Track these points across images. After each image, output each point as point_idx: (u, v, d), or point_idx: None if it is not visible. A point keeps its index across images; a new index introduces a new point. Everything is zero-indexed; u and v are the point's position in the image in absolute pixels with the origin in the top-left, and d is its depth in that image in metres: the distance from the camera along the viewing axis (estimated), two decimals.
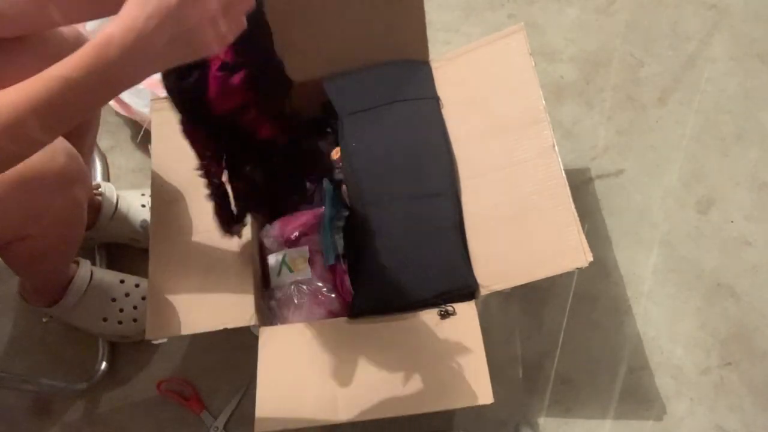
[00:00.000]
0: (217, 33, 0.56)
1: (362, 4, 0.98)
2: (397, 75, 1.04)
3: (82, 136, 0.99)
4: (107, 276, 1.06)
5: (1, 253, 0.85)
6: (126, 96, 1.19)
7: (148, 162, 1.04)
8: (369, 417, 0.80)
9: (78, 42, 0.86)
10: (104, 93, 0.59)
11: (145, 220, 1.11)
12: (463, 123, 0.99)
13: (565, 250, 0.83)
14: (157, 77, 0.64)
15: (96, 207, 1.08)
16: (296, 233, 0.97)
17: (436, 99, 1.02)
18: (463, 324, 0.85)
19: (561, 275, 0.83)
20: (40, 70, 0.74)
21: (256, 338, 0.88)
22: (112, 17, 0.66)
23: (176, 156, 0.99)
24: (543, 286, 1.11)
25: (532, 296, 1.10)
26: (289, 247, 0.98)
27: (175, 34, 0.54)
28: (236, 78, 0.65)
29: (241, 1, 0.57)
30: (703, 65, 1.29)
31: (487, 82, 1.00)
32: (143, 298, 1.06)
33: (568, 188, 0.86)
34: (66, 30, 0.84)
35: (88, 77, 0.55)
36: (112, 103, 1.20)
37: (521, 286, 0.84)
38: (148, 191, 1.13)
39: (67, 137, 0.95)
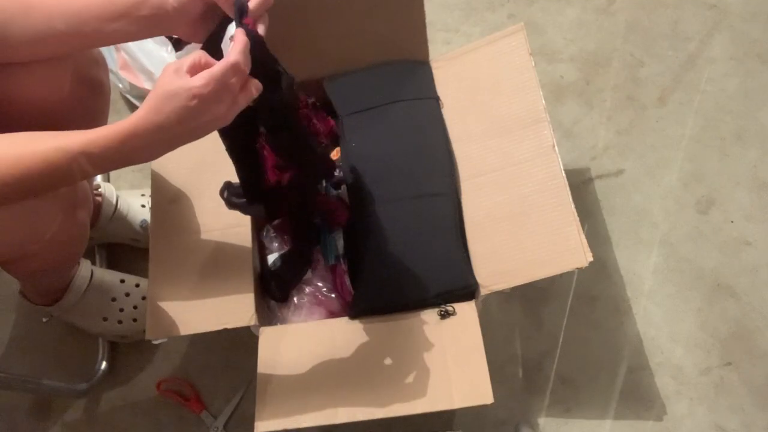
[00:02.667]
0: (230, 114, 0.63)
1: (362, 4, 0.98)
2: (397, 75, 1.04)
3: None
4: (107, 276, 1.06)
5: (3, 268, 0.86)
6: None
7: (148, 162, 1.04)
8: (369, 417, 0.80)
9: (90, 52, 0.86)
10: (119, 166, 0.66)
11: (145, 220, 1.11)
12: (463, 123, 0.99)
13: (565, 250, 0.83)
14: None
15: (96, 207, 1.08)
16: None
17: (436, 99, 1.02)
18: (463, 324, 0.85)
19: (561, 275, 0.83)
20: (54, 79, 0.77)
21: (256, 338, 0.88)
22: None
23: (176, 156, 0.99)
24: (543, 286, 1.11)
25: (532, 296, 1.10)
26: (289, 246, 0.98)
27: (194, 126, 0.62)
28: (286, 176, 0.81)
29: (247, 87, 0.63)
30: (703, 65, 1.29)
31: (487, 82, 1.00)
32: (143, 298, 1.06)
33: (568, 188, 0.86)
34: None
35: (109, 158, 0.63)
36: (126, 76, 1.21)
37: (521, 286, 0.84)
38: (148, 191, 1.13)
39: None
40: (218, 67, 0.60)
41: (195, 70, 0.61)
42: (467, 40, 1.34)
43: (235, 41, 0.63)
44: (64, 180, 0.65)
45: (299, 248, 0.96)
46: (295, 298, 0.95)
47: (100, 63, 0.89)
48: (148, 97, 0.61)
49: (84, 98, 0.85)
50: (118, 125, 0.62)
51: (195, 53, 0.63)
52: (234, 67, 0.61)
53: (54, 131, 0.65)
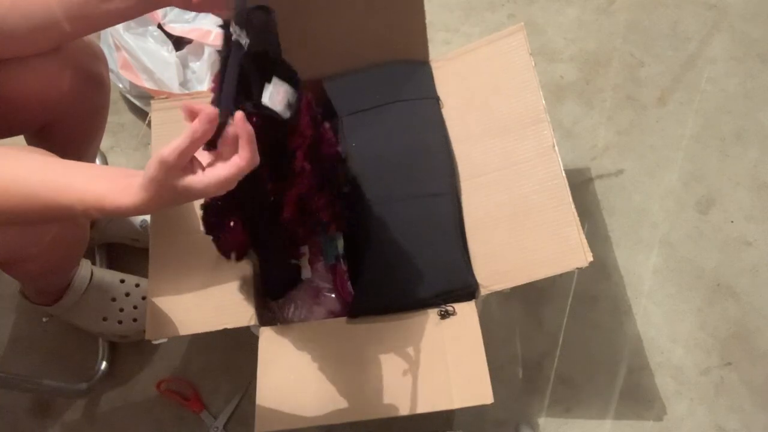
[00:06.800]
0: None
1: (362, 4, 0.98)
2: (397, 75, 1.04)
3: (89, 143, 0.99)
4: (107, 276, 1.06)
5: (3, 270, 0.86)
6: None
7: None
8: (369, 417, 0.80)
9: (90, 47, 0.86)
10: None
11: (144, 220, 1.11)
12: (463, 123, 0.99)
13: (565, 250, 0.83)
14: None
15: None
16: None
17: (436, 99, 1.02)
18: (463, 324, 0.85)
19: (561, 275, 0.83)
20: (55, 74, 0.76)
21: (256, 338, 0.88)
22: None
23: None
24: (543, 286, 1.11)
25: (532, 296, 1.10)
26: None
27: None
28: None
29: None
30: (703, 65, 1.29)
31: (487, 82, 1.00)
32: (143, 298, 1.06)
33: (568, 188, 0.86)
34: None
35: (102, 215, 0.61)
36: (126, 75, 1.21)
37: (521, 286, 0.84)
38: None
39: (73, 146, 0.95)
40: (227, 172, 0.57)
41: (188, 156, 0.57)
42: (467, 40, 1.34)
43: (241, 140, 0.57)
44: (69, 218, 0.69)
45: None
46: (295, 298, 0.95)
47: (100, 58, 0.89)
48: (149, 184, 0.57)
49: (84, 93, 0.85)
50: (132, 196, 0.58)
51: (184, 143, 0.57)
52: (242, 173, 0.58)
53: (66, 167, 0.62)
